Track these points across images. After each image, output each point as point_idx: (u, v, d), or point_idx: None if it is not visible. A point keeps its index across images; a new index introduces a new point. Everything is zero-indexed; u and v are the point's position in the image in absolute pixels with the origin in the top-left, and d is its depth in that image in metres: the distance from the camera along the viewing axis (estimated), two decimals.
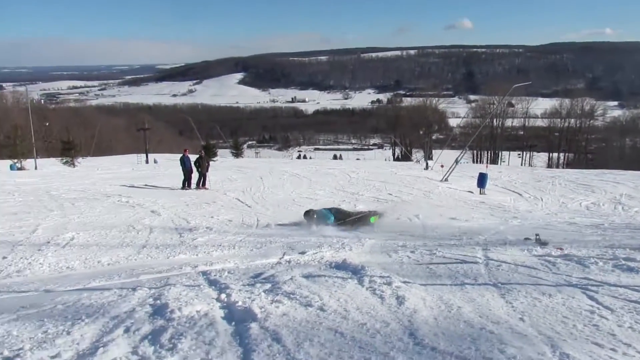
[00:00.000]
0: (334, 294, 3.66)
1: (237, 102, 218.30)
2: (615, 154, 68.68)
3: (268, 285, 4.08)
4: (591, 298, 3.71)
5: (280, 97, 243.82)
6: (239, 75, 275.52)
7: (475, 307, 3.44)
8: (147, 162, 41.97)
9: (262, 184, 19.52)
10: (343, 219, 10.67)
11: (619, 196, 18.97)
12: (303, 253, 6.35)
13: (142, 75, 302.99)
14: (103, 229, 8.90)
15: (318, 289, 3.84)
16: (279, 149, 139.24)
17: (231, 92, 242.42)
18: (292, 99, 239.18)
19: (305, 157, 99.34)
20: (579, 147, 76.66)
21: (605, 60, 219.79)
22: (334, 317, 3.12)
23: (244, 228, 9.67)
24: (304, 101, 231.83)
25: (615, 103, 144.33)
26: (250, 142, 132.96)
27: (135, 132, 62.31)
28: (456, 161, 27.17)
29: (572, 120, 77.98)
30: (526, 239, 8.47)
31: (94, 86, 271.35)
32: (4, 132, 49.96)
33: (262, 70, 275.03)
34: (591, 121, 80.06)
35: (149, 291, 4.07)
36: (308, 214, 10.19)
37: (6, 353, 2.69)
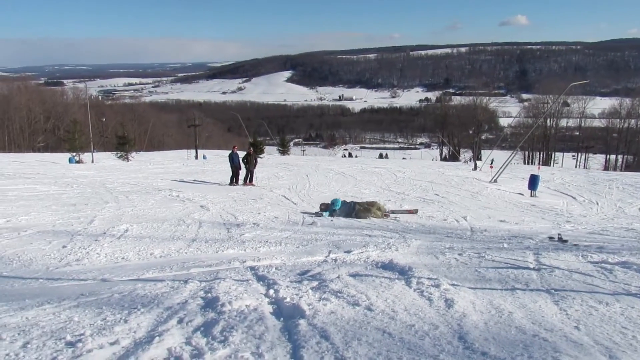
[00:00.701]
0: (381, 294, 3.66)
1: (284, 100, 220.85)
2: None
3: (315, 283, 4.12)
4: None
5: (327, 95, 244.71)
6: (287, 73, 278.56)
7: (527, 313, 3.36)
8: (196, 157, 43.09)
9: (307, 181, 19.67)
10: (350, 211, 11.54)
11: None
12: (349, 252, 6.37)
13: (193, 73, 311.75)
14: (155, 222, 9.23)
15: (365, 289, 3.85)
16: (325, 147, 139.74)
17: (279, 90, 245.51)
18: (340, 97, 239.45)
19: (350, 155, 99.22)
20: (639, 150, 72.77)
21: None
22: (382, 317, 3.12)
23: (290, 225, 9.78)
24: (351, 99, 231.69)
25: None
26: (296, 140, 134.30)
27: (186, 128, 64.10)
28: (506, 162, 26.46)
29: (633, 121, 74.16)
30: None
31: (148, 83, 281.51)
32: (64, 126, 52.59)
33: (310, 69, 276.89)
34: None
35: (199, 284, 4.20)
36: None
37: (69, 338, 2.84)
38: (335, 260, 5.71)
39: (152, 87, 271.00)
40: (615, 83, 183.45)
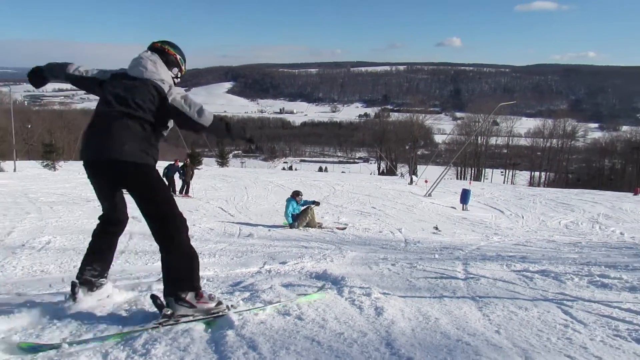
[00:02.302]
0: (313, 303, 3.65)
1: (225, 111, 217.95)
2: (595, 175, 69.94)
3: (247, 294, 4.05)
4: (566, 312, 3.75)
5: (268, 107, 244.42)
6: (228, 85, 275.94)
7: (452, 319, 3.46)
8: None
9: (246, 193, 19.48)
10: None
11: (596, 216, 19.33)
12: (284, 263, 6.34)
13: None
14: (81, 234, 8.78)
15: (296, 298, 3.83)
16: (265, 160, 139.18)
17: (219, 101, 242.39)
18: (281, 109, 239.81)
19: (291, 168, 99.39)
20: (560, 167, 77.98)
21: (588, 83, 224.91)
22: (312, 326, 3.11)
23: (226, 237, 9.62)
24: (292, 112, 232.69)
25: (596, 125, 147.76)
26: (236, 152, 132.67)
27: None
28: (440, 177, 27.44)
29: (554, 141, 79.48)
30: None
31: (80, 90, 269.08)
32: None
33: (251, 80, 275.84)
34: (572, 142, 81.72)
35: (125, 296, 4.02)
36: None
37: None
38: (270, 271, 5.66)
39: (85, 93, 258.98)
40: (539, 105, 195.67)
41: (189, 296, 3.13)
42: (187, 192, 17.97)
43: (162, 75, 3.39)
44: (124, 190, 3.53)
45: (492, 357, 2.68)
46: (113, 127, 3.04)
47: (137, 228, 9.98)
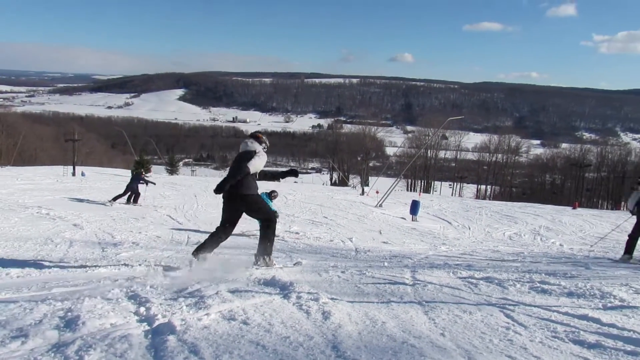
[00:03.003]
0: (259, 308, 3.59)
1: (175, 119, 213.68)
2: (537, 189, 73.17)
3: (192, 300, 3.93)
4: (508, 316, 3.86)
5: (221, 116, 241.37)
6: (180, 92, 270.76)
7: (399, 322, 3.49)
8: (74, 174, 39.93)
9: (196, 201, 19.09)
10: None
11: (538, 228, 20.15)
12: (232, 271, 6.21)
13: (75, 85, 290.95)
14: (17, 241, 8.31)
15: (243, 304, 3.75)
16: (217, 168, 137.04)
17: (170, 108, 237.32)
18: (234, 118, 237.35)
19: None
20: (505, 181, 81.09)
21: (531, 102, 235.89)
22: (257, 330, 3.05)
23: (173, 245, 9.35)
24: (245, 121, 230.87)
25: (538, 142, 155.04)
26: (187, 160, 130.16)
27: (64, 142, 59.27)
28: (391, 188, 27.90)
29: (500, 155, 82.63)
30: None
31: (21, 92, 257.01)
32: None
33: (203, 88, 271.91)
34: (516, 157, 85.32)
35: (60, 304, 3.80)
36: None
37: None
38: (217, 277, 5.52)
39: (26, 96, 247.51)
40: (486, 121, 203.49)
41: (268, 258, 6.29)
42: (135, 200, 17.40)
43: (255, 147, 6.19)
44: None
45: (436, 358, 2.71)
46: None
47: (78, 235, 9.58)
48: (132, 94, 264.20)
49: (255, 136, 6.41)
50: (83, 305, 3.61)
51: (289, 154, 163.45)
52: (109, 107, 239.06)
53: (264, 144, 6.36)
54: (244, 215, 6.62)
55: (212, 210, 16.57)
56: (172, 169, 55.18)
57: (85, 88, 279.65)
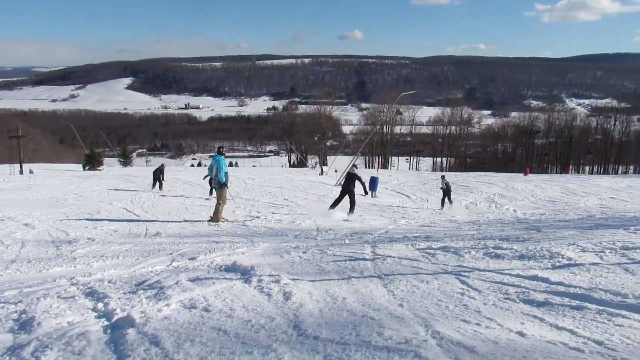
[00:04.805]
0: (220, 294, 3.59)
1: (125, 109, 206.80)
2: (490, 158, 75.46)
3: (152, 292, 3.89)
4: (463, 282, 4.02)
5: (172, 103, 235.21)
6: (128, 80, 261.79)
7: (359, 297, 3.57)
8: (21, 172, 38.22)
9: (152, 192, 18.67)
10: None
11: (492, 195, 20.85)
12: (193, 259, 6.16)
13: (15, 78, 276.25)
14: None
15: (204, 291, 3.74)
16: (172, 157, 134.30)
17: (119, 98, 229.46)
18: (186, 105, 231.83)
19: (200, 164, 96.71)
20: (459, 152, 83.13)
21: (480, 73, 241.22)
22: (219, 316, 3.06)
23: (131, 238, 9.15)
24: (197, 108, 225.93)
25: (489, 112, 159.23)
26: (140, 150, 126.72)
27: (7, 140, 56.44)
28: (353, 166, 28.14)
29: (453, 128, 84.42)
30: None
31: None
32: None
33: (152, 76, 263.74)
34: (469, 128, 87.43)
35: (14, 307, 3.68)
36: None
37: None
38: (177, 267, 5.47)
39: None
40: (438, 94, 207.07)
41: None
42: None
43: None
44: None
45: (394, 328, 2.79)
46: None
47: (30, 235, 9.23)
48: (77, 86, 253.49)
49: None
50: (38, 306, 3.52)
51: (245, 138, 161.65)
52: (54, 101, 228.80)
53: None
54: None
55: (171, 200, 16.28)
56: (126, 161, 53.58)
57: (26, 82, 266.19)
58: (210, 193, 18.00)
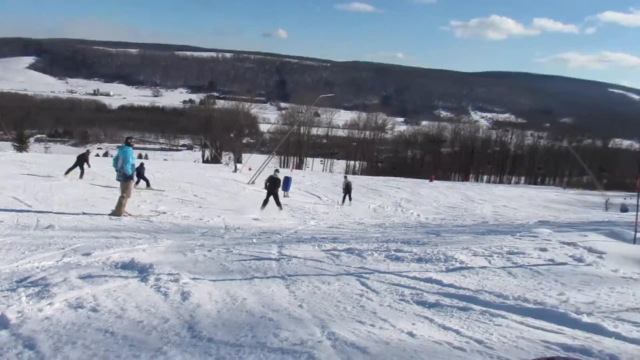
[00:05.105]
0: (112, 293, 3.39)
1: (25, 89, 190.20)
2: (400, 163, 78.64)
3: (34, 289, 3.59)
4: (363, 284, 4.13)
5: (80, 88, 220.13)
6: (29, 59, 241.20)
7: (259, 298, 3.54)
8: None
9: (49, 181, 17.34)
10: None
11: (399, 200, 21.73)
12: (87, 255, 5.77)
13: None
14: None
15: (94, 290, 3.52)
16: (76, 145, 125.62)
17: (19, 78, 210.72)
18: (95, 91, 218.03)
19: (107, 155, 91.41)
20: (372, 156, 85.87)
21: (396, 81, 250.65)
22: (108, 317, 2.88)
23: (19, 229, 8.41)
24: (108, 95, 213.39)
25: (402, 119, 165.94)
26: (39, 136, 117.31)
27: None
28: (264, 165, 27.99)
29: (368, 132, 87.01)
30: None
31: None
32: None
33: (59, 57, 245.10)
34: (382, 134, 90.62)
35: None
36: None
37: None
38: (68, 263, 5.10)
39: None
40: (355, 99, 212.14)
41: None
42: None
43: None
44: None
45: (291, 329, 2.80)
46: None
47: None
48: None
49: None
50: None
51: (158, 130, 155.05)
52: None
53: None
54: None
55: (70, 191, 15.21)
56: (21, 146, 49.26)
57: None
58: (137, 182, 17.87)
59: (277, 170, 17.05)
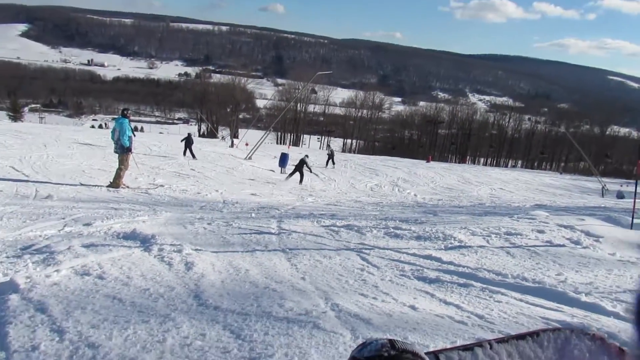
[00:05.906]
0: (117, 262, 3.42)
1: (18, 57, 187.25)
2: (397, 143, 78.62)
3: (40, 256, 3.62)
4: (363, 259, 4.18)
5: (74, 57, 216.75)
6: (22, 27, 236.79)
7: (262, 269, 3.58)
8: None
9: (45, 152, 17.25)
10: None
11: (396, 179, 21.79)
12: (88, 225, 5.80)
13: None
14: None
15: (98, 258, 3.55)
16: (70, 116, 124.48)
17: (11, 45, 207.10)
18: (89, 61, 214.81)
19: (102, 126, 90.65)
20: (369, 135, 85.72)
21: (394, 61, 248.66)
22: (114, 284, 2.92)
23: (18, 199, 8.41)
24: (102, 65, 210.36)
25: (399, 99, 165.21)
26: (33, 106, 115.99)
27: None
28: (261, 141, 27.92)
29: (365, 111, 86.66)
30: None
31: None
32: None
33: (52, 25, 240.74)
34: (379, 113, 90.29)
35: None
36: None
37: None
38: (70, 233, 5.12)
39: None
40: (353, 77, 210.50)
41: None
42: None
43: None
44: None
45: (295, 300, 2.84)
46: None
47: None
48: None
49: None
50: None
51: (153, 102, 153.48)
52: None
53: None
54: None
55: (65, 162, 15.15)
56: (16, 116, 48.82)
57: None
58: (184, 154, 21.14)
59: (306, 156, 19.52)
